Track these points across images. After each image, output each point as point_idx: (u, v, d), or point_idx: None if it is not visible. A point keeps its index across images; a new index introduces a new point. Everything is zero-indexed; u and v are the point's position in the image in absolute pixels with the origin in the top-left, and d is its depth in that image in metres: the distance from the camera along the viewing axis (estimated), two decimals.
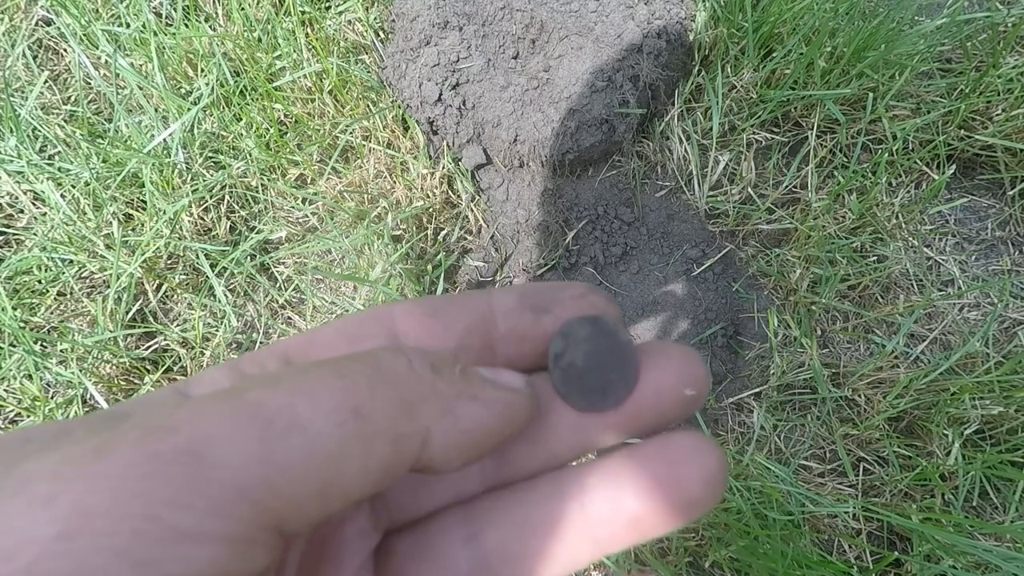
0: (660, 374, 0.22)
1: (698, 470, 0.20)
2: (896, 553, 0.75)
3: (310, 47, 0.99)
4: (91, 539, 0.14)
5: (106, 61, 1.03)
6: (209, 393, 0.18)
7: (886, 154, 0.93)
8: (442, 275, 0.92)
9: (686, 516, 0.21)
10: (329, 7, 1.06)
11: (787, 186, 0.95)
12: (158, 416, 0.17)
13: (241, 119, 0.97)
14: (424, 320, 0.23)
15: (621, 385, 0.22)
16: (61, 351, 0.89)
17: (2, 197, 0.98)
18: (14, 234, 0.97)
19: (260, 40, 1.01)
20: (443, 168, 0.97)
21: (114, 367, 0.89)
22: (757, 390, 0.89)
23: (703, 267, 0.95)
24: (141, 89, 0.99)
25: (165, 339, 0.92)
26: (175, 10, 1.01)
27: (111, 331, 0.88)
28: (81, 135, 0.97)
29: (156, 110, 0.99)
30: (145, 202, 0.95)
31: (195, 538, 0.15)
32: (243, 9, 1.00)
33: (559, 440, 0.23)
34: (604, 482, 0.21)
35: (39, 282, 0.92)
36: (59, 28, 1.06)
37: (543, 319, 0.23)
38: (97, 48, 1.03)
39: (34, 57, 1.06)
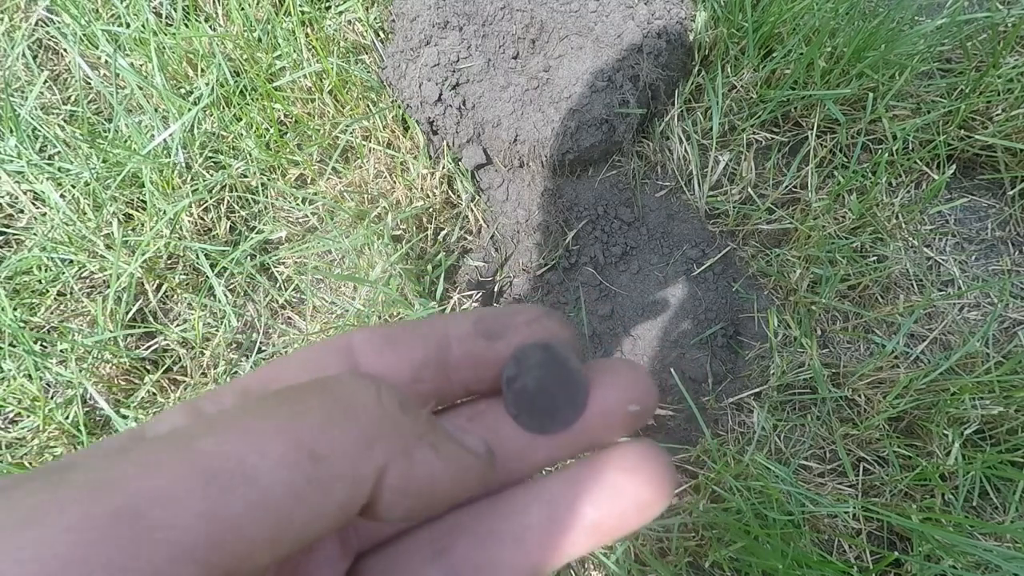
0: (606, 392, 0.24)
1: (647, 475, 0.22)
2: (896, 553, 0.75)
3: (310, 47, 0.99)
4: None
5: (106, 61, 1.03)
6: (159, 437, 0.17)
7: (886, 154, 0.93)
8: (442, 275, 0.92)
9: (641, 517, 0.22)
10: (329, 7, 1.06)
11: (787, 186, 0.95)
12: (102, 469, 0.16)
13: (241, 119, 0.97)
14: (381, 348, 0.23)
15: (570, 409, 0.23)
16: (61, 351, 0.89)
17: (2, 197, 0.98)
18: (14, 234, 0.97)
19: (260, 40, 1.01)
20: (443, 168, 0.97)
21: (114, 367, 0.89)
22: (757, 390, 0.89)
23: (703, 267, 0.95)
24: (141, 89, 0.99)
25: (165, 339, 0.92)
26: (175, 10, 1.01)
27: (111, 331, 0.88)
28: (81, 135, 0.97)
29: (156, 110, 0.99)
30: (145, 202, 0.95)
31: None
32: (243, 9, 1.00)
33: (513, 458, 0.24)
34: (564, 492, 0.22)
35: (39, 282, 0.92)
36: (59, 28, 1.06)
37: (496, 344, 0.24)
38: (97, 48, 1.03)
39: (34, 57, 1.06)
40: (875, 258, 0.94)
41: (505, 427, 0.24)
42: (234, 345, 0.93)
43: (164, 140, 0.95)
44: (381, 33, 1.05)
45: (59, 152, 0.98)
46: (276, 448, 0.17)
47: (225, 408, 0.21)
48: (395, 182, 0.95)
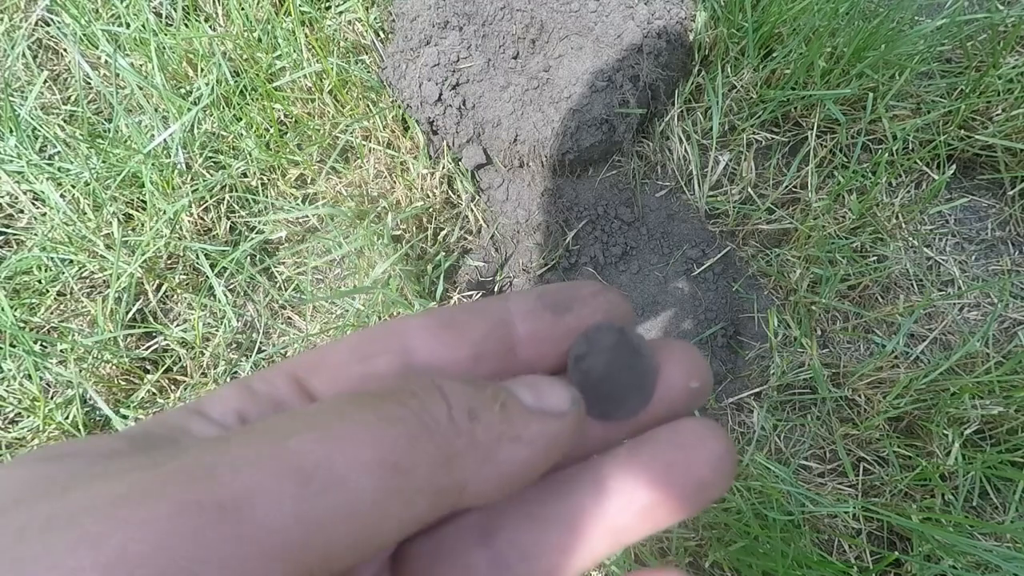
0: (668, 370, 0.23)
1: (706, 453, 0.21)
2: (896, 553, 0.75)
3: (310, 47, 0.99)
4: None
5: (106, 61, 1.03)
6: (246, 433, 0.18)
7: (886, 154, 0.93)
8: (442, 275, 0.92)
9: (699, 500, 0.21)
10: (329, 7, 1.06)
11: (787, 186, 0.95)
12: (200, 457, 0.17)
13: (241, 119, 0.97)
14: (438, 332, 0.22)
15: (637, 398, 0.23)
16: (61, 351, 0.89)
17: (2, 197, 0.98)
18: (14, 234, 0.97)
19: (260, 40, 1.01)
20: (443, 168, 0.97)
21: (114, 367, 0.89)
22: (757, 390, 0.89)
23: (703, 267, 0.95)
24: (141, 89, 0.99)
25: (165, 339, 0.92)
26: (175, 10, 1.01)
27: (111, 331, 0.88)
28: (81, 135, 0.97)
29: (156, 110, 0.99)
30: (145, 202, 0.95)
31: None
32: (243, 9, 1.00)
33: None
34: (616, 472, 0.21)
35: (39, 282, 0.92)
36: (59, 28, 1.06)
37: (564, 318, 0.23)
38: (97, 48, 1.03)
39: (34, 57, 1.06)
40: (875, 258, 0.94)
41: None
42: (234, 345, 0.93)
43: (164, 140, 0.95)
44: (381, 33, 1.05)
45: (59, 152, 0.98)
46: (365, 455, 0.17)
47: (283, 396, 0.22)
48: (395, 182, 0.95)
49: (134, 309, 0.92)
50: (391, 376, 0.22)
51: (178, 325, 0.94)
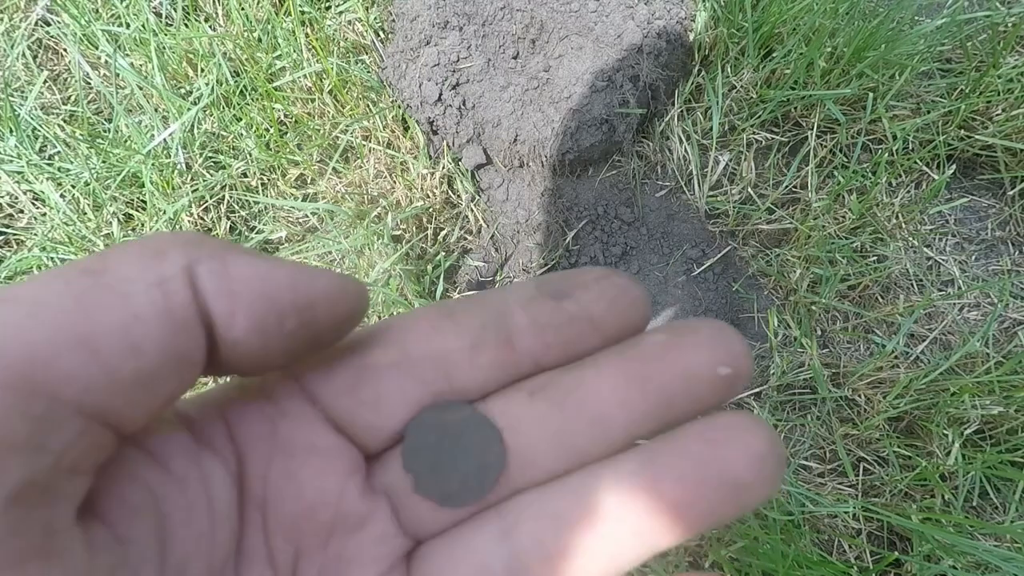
0: (688, 353, 0.20)
1: (743, 449, 0.19)
2: (896, 553, 0.76)
3: (310, 47, 0.99)
4: None
5: (106, 61, 1.03)
6: None
7: (886, 154, 0.93)
8: (442, 275, 0.92)
9: (737, 502, 0.19)
10: (329, 7, 1.06)
11: (787, 186, 0.95)
12: None
13: (241, 119, 0.97)
14: (436, 321, 0.22)
15: (475, 486, 0.21)
16: None
17: (2, 197, 0.98)
18: (14, 234, 0.97)
19: (260, 40, 1.01)
20: (443, 168, 0.97)
21: None
22: (757, 390, 0.89)
23: (703, 267, 0.95)
24: (141, 89, 0.99)
25: None
26: (175, 10, 1.01)
27: None
28: (81, 135, 0.97)
29: (156, 110, 0.99)
30: (145, 202, 0.95)
31: None
32: (243, 9, 1.00)
33: (593, 425, 0.21)
34: (641, 469, 0.20)
35: None
36: (58, 28, 1.06)
37: (564, 305, 0.21)
38: (97, 48, 1.03)
39: (34, 57, 1.06)
40: (875, 258, 0.94)
41: (585, 392, 0.21)
42: None
43: (164, 140, 0.95)
44: (381, 33, 1.05)
45: (59, 152, 0.98)
46: (41, 277, 0.16)
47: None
48: (395, 182, 0.95)
49: None
50: (388, 367, 0.22)
51: None
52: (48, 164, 0.96)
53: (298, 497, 0.21)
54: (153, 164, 0.94)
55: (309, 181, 0.98)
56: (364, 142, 0.97)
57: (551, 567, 0.20)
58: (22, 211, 0.97)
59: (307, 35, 1.00)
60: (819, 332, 0.93)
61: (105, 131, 1.00)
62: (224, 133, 0.98)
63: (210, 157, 0.98)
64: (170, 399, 0.18)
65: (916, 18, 1.01)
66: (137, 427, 0.18)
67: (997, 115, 0.96)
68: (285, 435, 0.21)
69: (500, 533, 0.21)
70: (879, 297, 0.92)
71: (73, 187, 0.94)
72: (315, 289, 0.19)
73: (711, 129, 0.95)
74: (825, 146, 0.98)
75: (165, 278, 0.17)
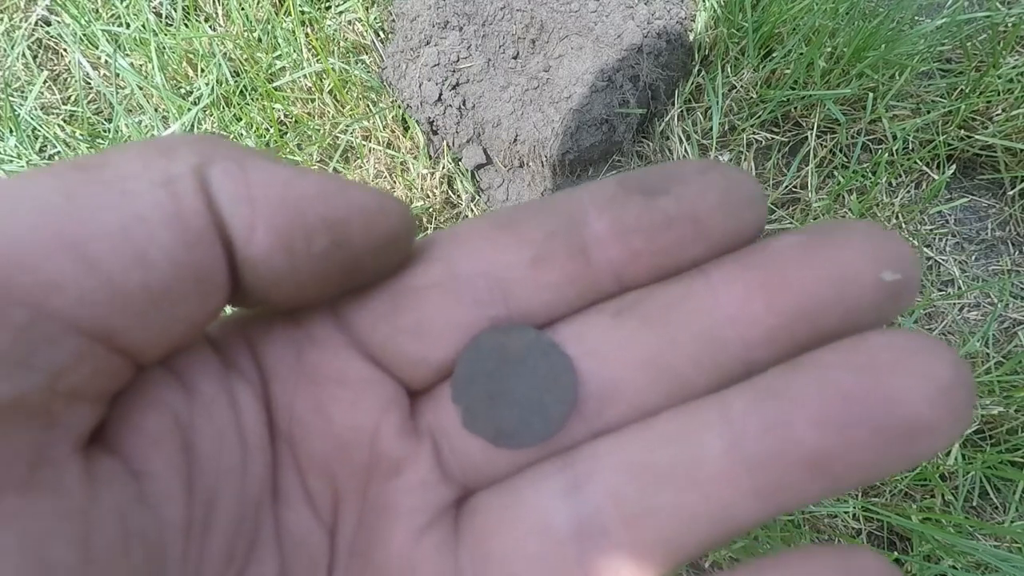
0: (841, 254, 0.15)
1: (920, 378, 0.14)
2: (896, 553, 0.75)
3: (310, 47, 0.99)
4: None
5: (106, 61, 1.03)
6: None
7: (886, 154, 0.93)
8: None
9: (908, 451, 0.14)
10: (329, 7, 1.06)
11: (787, 186, 0.95)
12: None
13: (241, 119, 0.97)
14: (490, 234, 0.18)
15: (542, 420, 0.17)
16: None
17: None
18: None
19: (260, 40, 1.01)
20: (443, 168, 0.97)
21: None
22: None
23: None
24: (141, 89, 0.99)
25: None
26: (175, 10, 1.01)
27: None
28: (81, 135, 0.97)
29: (156, 110, 0.99)
30: None
31: None
32: (243, 9, 1.00)
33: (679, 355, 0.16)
34: (761, 404, 0.15)
35: None
36: (58, 28, 1.06)
37: (659, 202, 0.17)
38: (97, 48, 1.03)
39: (34, 57, 1.06)
40: None
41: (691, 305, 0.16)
42: None
43: None
44: (381, 33, 1.05)
45: (59, 152, 0.98)
46: (28, 173, 0.14)
47: None
48: (395, 182, 0.95)
49: None
50: (430, 287, 0.18)
51: None
52: (48, 164, 0.96)
53: (327, 433, 0.18)
54: None
55: None
56: (364, 142, 0.97)
57: (635, 532, 0.16)
58: None
59: (307, 35, 1.00)
60: None
61: (105, 131, 1.00)
62: (224, 133, 0.98)
63: None
64: (194, 326, 0.16)
65: (916, 18, 1.01)
66: (157, 355, 0.15)
67: (997, 115, 0.96)
68: (312, 363, 0.19)
69: (568, 485, 0.17)
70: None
71: None
72: (348, 202, 0.16)
73: (711, 129, 0.95)
74: (825, 146, 0.98)
75: (172, 177, 0.14)
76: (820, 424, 0.14)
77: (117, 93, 0.99)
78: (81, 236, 0.13)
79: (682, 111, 0.97)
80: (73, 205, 0.13)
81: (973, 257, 0.98)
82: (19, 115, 0.97)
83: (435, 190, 0.96)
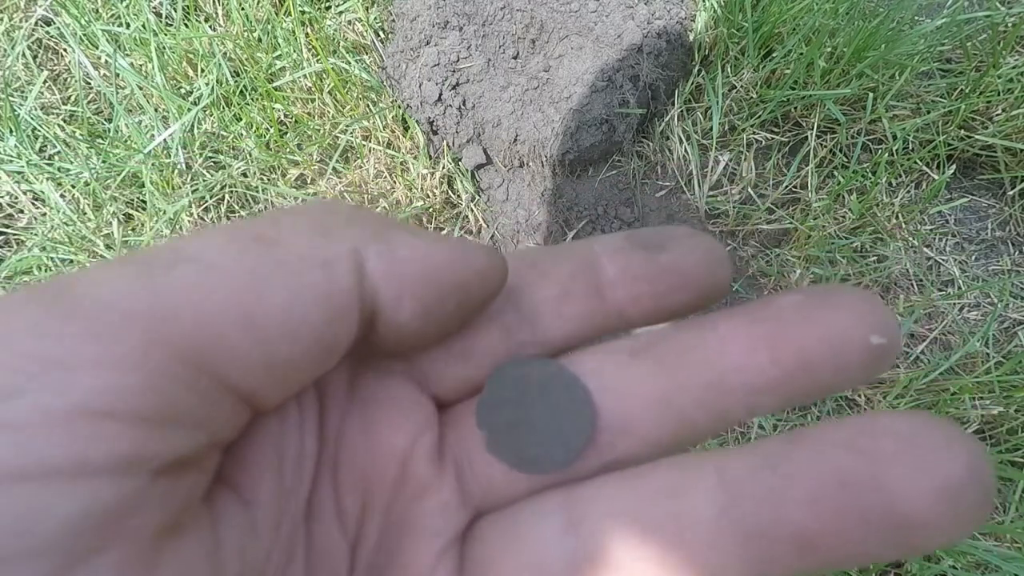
0: (836, 317, 0.17)
1: (921, 473, 0.13)
2: None
3: (310, 47, 0.99)
4: None
5: (106, 61, 1.03)
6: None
7: (886, 154, 0.93)
8: None
9: (901, 543, 0.14)
10: (329, 7, 1.06)
11: (787, 186, 0.95)
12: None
13: (241, 119, 0.97)
14: (521, 270, 0.20)
15: (561, 448, 0.18)
16: None
17: (2, 197, 0.98)
18: (14, 234, 0.97)
19: (260, 40, 1.01)
20: (443, 168, 0.97)
21: None
22: None
23: None
24: (141, 89, 0.99)
25: None
26: (175, 10, 1.01)
27: None
28: (81, 135, 0.97)
29: (156, 110, 0.99)
30: (145, 202, 0.95)
31: (68, 364, 0.13)
32: (243, 9, 1.00)
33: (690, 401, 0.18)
34: (758, 474, 0.16)
35: (39, 282, 0.92)
36: (59, 28, 1.06)
37: (658, 257, 0.19)
38: (97, 48, 1.03)
39: (34, 57, 1.06)
40: (875, 258, 0.94)
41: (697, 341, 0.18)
42: None
43: (164, 140, 0.95)
44: (381, 33, 1.05)
45: (59, 152, 0.98)
46: (215, 238, 0.15)
47: None
48: (395, 182, 0.95)
49: None
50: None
51: None
52: (48, 164, 0.96)
53: (368, 453, 0.20)
54: (153, 164, 0.94)
55: (309, 181, 0.98)
56: (364, 142, 0.97)
57: (629, 569, 0.16)
58: (22, 211, 0.97)
59: (307, 35, 1.00)
60: None
61: (105, 131, 1.00)
62: (224, 133, 0.98)
63: (210, 157, 0.98)
64: (307, 384, 0.17)
65: (916, 18, 1.01)
66: (271, 407, 0.17)
67: (997, 115, 0.96)
68: (365, 386, 0.20)
69: (566, 523, 0.18)
70: (879, 297, 0.92)
71: (73, 187, 0.94)
72: (471, 266, 0.18)
73: (711, 129, 0.95)
74: (825, 146, 0.98)
75: (330, 259, 0.16)
76: (812, 504, 0.14)
77: (117, 93, 0.99)
78: (256, 312, 0.15)
79: (682, 111, 0.97)
80: (254, 282, 0.15)
81: (973, 257, 0.98)
82: (19, 115, 0.97)
83: (435, 190, 0.96)
